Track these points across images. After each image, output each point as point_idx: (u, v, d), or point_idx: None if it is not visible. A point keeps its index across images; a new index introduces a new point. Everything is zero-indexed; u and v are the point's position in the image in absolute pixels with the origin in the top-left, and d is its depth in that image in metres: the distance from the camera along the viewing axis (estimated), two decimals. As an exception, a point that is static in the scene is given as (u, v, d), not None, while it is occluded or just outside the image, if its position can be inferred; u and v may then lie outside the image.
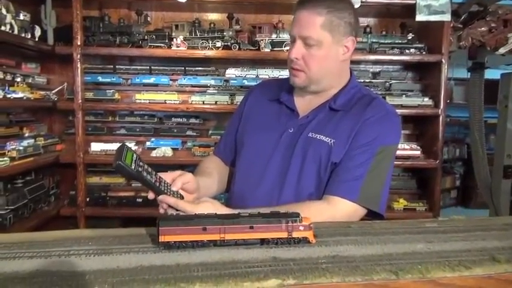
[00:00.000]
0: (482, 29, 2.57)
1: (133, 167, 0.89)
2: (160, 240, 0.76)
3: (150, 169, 0.96)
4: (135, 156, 0.92)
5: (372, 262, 0.71)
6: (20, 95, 2.09)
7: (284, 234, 0.79)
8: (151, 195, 1.01)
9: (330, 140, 1.17)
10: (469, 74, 3.04)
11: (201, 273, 0.66)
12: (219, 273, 0.66)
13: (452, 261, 0.71)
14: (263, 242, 0.79)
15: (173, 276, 0.65)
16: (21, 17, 2.14)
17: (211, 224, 0.78)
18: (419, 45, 2.41)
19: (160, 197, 1.00)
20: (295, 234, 0.79)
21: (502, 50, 2.56)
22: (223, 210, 1.06)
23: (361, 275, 0.66)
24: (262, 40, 2.38)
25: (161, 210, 1.03)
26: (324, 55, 1.18)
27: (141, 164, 0.92)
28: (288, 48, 2.33)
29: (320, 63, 1.19)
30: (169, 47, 2.36)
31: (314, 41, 1.16)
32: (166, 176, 1.05)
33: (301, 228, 0.79)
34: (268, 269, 0.68)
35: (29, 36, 2.16)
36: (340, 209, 1.12)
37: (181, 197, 1.07)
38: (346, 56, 1.22)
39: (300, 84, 1.23)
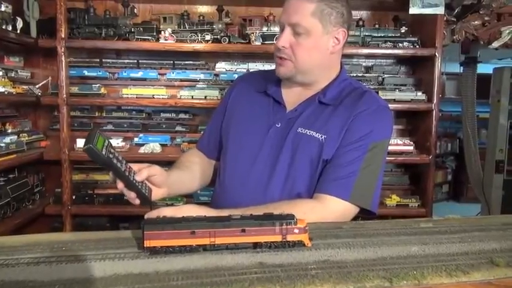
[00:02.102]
0: (476, 22, 2.54)
1: (104, 152, 0.86)
2: (145, 246, 0.72)
3: (120, 157, 0.93)
4: (106, 142, 0.89)
5: (365, 267, 0.67)
6: (1, 89, 2.01)
7: (278, 238, 0.74)
8: (120, 185, 0.96)
9: (321, 136, 1.13)
10: (462, 68, 3.02)
11: (181, 282, 0.61)
12: (201, 281, 0.61)
13: (449, 266, 0.67)
14: (256, 246, 0.74)
15: (151, 286, 0.60)
16: (3, 8, 2.05)
17: (200, 227, 0.73)
18: (413, 39, 2.37)
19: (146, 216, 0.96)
20: (289, 238, 0.75)
21: (495, 44, 2.53)
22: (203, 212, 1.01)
23: (353, 282, 0.62)
24: (253, 33, 2.32)
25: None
26: (313, 45, 1.13)
27: (112, 150, 0.89)
28: (279, 41, 2.30)
29: (308, 52, 1.14)
30: (157, 40, 2.29)
31: (303, 29, 1.11)
32: (133, 167, 1.01)
33: (296, 231, 0.75)
34: (253, 276, 0.63)
35: (10, 28, 2.07)
36: (332, 208, 1.08)
37: (150, 190, 1.02)
38: (336, 48, 1.17)
39: (285, 74, 1.18)
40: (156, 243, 0.71)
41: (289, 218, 0.75)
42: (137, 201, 1.00)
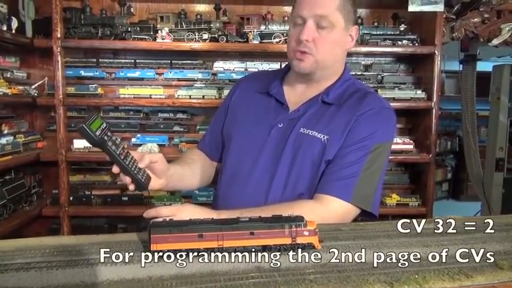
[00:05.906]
0: (476, 19, 2.52)
1: (98, 133, 0.85)
2: (152, 249, 0.70)
3: (118, 142, 0.92)
4: (104, 125, 0.88)
5: (365, 271, 0.65)
6: (-4, 90, 2.00)
7: (288, 240, 0.73)
8: (115, 169, 0.95)
9: (323, 137, 1.11)
10: (461, 66, 3.00)
11: (175, 289, 0.59)
12: (195, 287, 0.59)
13: (452, 269, 0.66)
14: (265, 249, 0.73)
15: (143, 292, 0.58)
16: (-2, 8, 2.03)
17: (208, 230, 0.71)
18: (412, 37, 2.35)
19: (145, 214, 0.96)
20: (299, 240, 0.73)
21: (495, 41, 2.51)
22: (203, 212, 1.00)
23: (353, 287, 0.60)
24: (251, 32, 2.30)
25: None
26: (335, 39, 1.13)
27: (109, 134, 0.89)
28: (277, 40, 2.28)
29: (331, 46, 1.13)
30: (154, 39, 2.27)
31: (328, 22, 1.10)
32: (134, 154, 1.00)
33: (306, 233, 0.73)
34: (250, 281, 0.61)
35: (5, 28, 2.05)
36: (332, 209, 1.06)
37: (149, 178, 1.01)
38: (350, 45, 1.18)
39: (307, 69, 1.14)
40: (163, 246, 0.70)
41: (298, 220, 0.74)
42: (132, 187, 0.99)
